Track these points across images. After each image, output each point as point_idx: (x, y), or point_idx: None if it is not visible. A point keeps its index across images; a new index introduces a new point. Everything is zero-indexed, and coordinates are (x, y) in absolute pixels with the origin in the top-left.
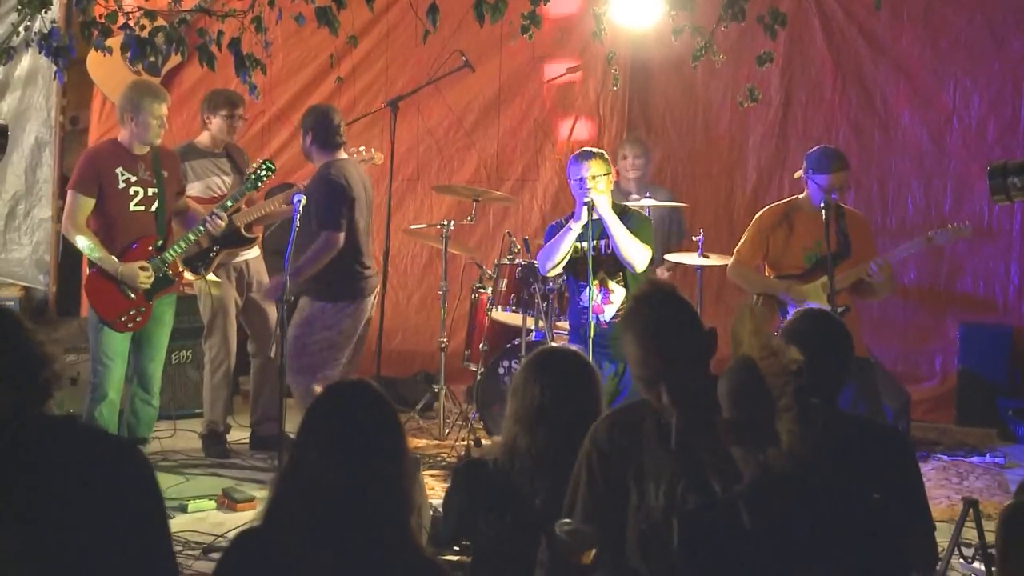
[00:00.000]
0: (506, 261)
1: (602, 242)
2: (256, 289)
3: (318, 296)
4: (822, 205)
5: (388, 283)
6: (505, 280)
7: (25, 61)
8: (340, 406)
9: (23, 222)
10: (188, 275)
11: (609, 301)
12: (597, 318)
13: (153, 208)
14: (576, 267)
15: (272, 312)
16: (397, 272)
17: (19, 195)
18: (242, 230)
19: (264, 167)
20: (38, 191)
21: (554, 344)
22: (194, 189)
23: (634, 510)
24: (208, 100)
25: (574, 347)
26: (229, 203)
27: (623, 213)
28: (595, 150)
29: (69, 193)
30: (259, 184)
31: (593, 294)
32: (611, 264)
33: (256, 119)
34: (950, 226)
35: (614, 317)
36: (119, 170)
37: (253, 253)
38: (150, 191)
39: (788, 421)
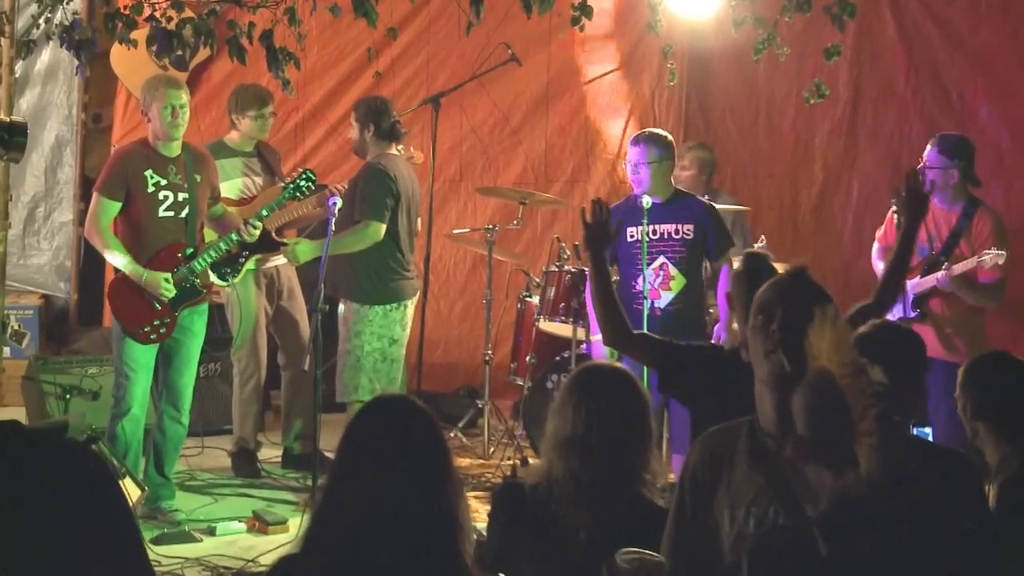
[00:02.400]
0: (555, 268)
1: (665, 227)
2: (287, 297)
3: (359, 298)
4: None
5: (429, 291)
6: (554, 288)
7: (45, 55)
8: (381, 423)
9: (43, 226)
10: (216, 282)
11: (668, 287)
12: (652, 303)
13: (183, 214)
14: (631, 251)
15: (304, 321)
16: (438, 280)
17: (38, 197)
18: (273, 234)
19: (305, 177)
20: (58, 193)
21: (599, 361)
22: (223, 189)
23: (726, 537)
24: (235, 98)
25: (620, 365)
26: (265, 212)
27: (679, 200)
28: (647, 133)
29: (94, 195)
30: (298, 195)
31: (648, 278)
32: (677, 249)
33: (289, 116)
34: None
35: (670, 304)
36: (148, 173)
37: (283, 259)
38: (180, 196)
39: (868, 447)
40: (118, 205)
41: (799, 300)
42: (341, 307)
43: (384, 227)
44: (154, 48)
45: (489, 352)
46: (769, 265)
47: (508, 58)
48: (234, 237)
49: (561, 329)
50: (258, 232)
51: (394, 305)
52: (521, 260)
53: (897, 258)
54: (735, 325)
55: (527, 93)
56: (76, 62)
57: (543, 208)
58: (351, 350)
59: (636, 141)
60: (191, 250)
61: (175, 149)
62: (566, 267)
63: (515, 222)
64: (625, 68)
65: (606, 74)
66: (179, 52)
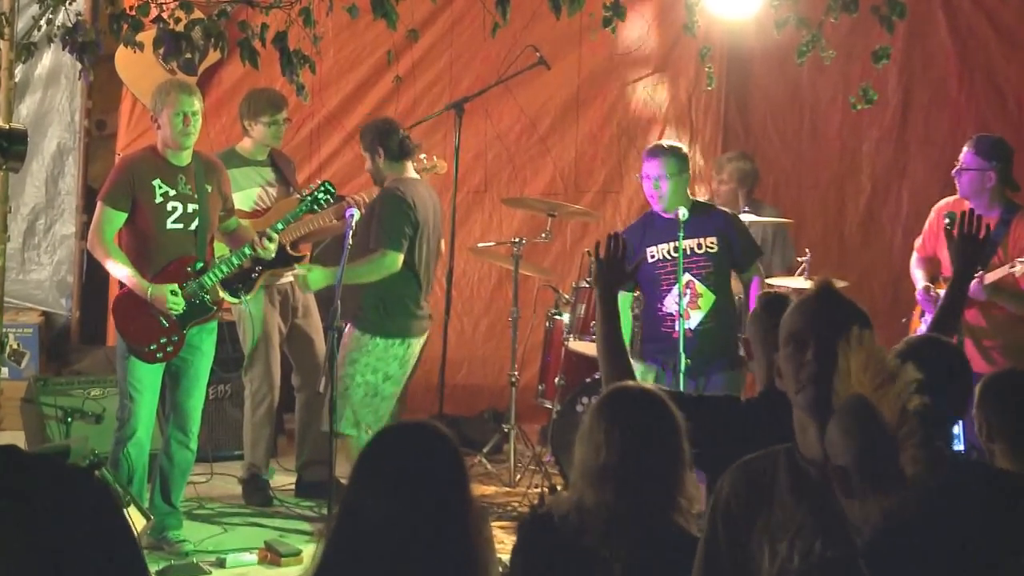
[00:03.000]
0: (585, 284)
1: (686, 242)
2: (303, 315)
3: (362, 326)
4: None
5: (452, 309)
6: (584, 305)
7: (47, 59)
8: (398, 449)
9: (43, 239)
10: (227, 298)
11: (696, 306)
12: (680, 326)
13: (193, 226)
14: (654, 272)
15: (320, 340)
16: (462, 296)
17: (39, 209)
18: (288, 248)
19: (323, 189)
20: (60, 204)
21: (629, 383)
22: (235, 200)
23: (764, 573)
24: (247, 104)
25: (651, 386)
26: (280, 226)
27: (706, 212)
28: (664, 146)
29: (98, 205)
30: (316, 208)
31: (675, 298)
32: (702, 264)
33: (304, 123)
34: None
35: (701, 324)
36: (156, 182)
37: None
38: (190, 207)
39: (912, 448)
40: (123, 216)
41: (832, 324)
42: (345, 328)
43: (401, 257)
44: (161, 51)
45: (515, 373)
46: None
47: (536, 61)
48: (247, 251)
49: (592, 349)
50: (274, 247)
51: (397, 341)
52: (549, 275)
53: (947, 305)
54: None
55: (556, 98)
56: (79, 66)
57: (573, 220)
58: (342, 377)
59: (654, 153)
60: (201, 264)
61: (185, 158)
62: None
63: (543, 235)
64: (660, 72)
65: (640, 78)
66: (188, 55)
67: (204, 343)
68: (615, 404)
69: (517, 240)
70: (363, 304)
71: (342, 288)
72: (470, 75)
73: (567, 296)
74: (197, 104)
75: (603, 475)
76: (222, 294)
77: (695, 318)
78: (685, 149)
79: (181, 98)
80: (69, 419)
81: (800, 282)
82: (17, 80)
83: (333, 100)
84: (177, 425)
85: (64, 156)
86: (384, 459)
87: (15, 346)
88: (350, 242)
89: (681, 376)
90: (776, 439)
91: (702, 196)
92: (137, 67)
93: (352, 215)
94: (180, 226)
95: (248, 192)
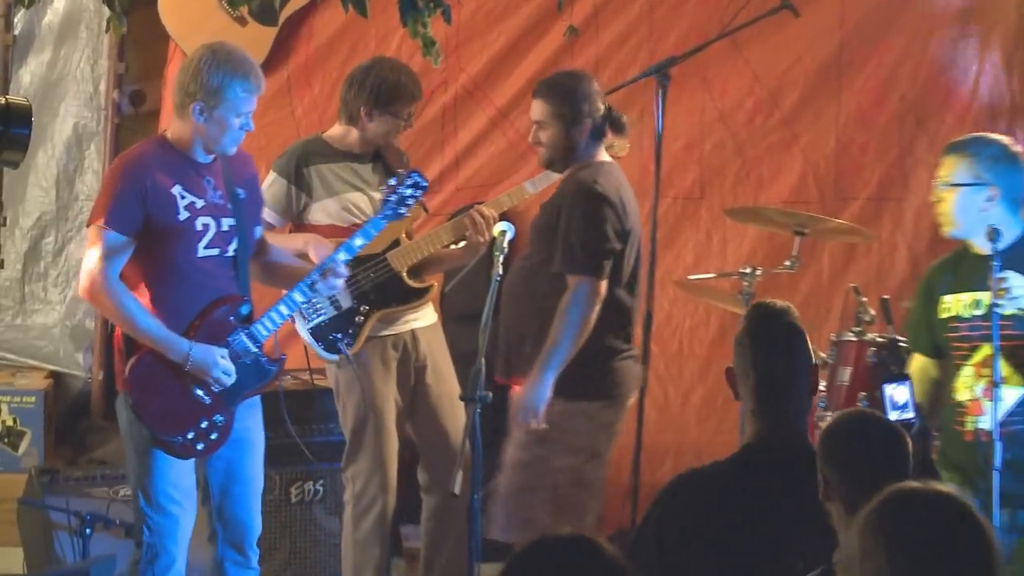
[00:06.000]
0: (850, 336)
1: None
2: (432, 377)
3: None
4: None
5: (650, 369)
6: (850, 369)
7: (59, 3)
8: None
9: (52, 265)
10: (321, 356)
11: (992, 396)
12: (975, 423)
13: (231, 249)
14: (942, 334)
15: (457, 416)
16: (665, 351)
17: (46, 220)
18: (405, 277)
19: (411, 181)
20: (77, 214)
21: (913, 484)
22: (320, 211)
23: None
24: (368, 84)
25: (948, 488)
26: (358, 243)
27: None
28: (970, 139)
29: (93, 230)
30: (402, 211)
31: (969, 382)
32: (1014, 333)
33: (433, 96)
34: None
35: (1006, 424)
36: (177, 190)
37: (425, 318)
38: (225, 223)
39: None
40: (132, 243)
41: None
42: (514, 395)
43: (604, 284)
44: None
45: None
46: None
47: (778, 6)
48: (309, 287)
49: None
50: (339, 278)
51: (607, 402)
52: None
53: None
54: None
55: (807, 60)
56: (106, 11)
57: (832, 241)
58: (530, 463)
59: (951, 149)
60: (248, 307)
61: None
62: (868, 335)
63: (788, 263)
64: (966, 20)
65: (936, 29)
66: None
67: (252, 420)
68: (899, 516)
69: (748, 270)
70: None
71: (505, 334)
72: (679, 27)
73: (824, 354)
74: (262, 88)
75: None
76: (315, 348)
77: (987, 415)
78: (1007, 143)
79: (250, 97)
80: (88, 529)
81: None
82: (18, 33)
83: (475, 62)
84: (230, 541)
85: (83, 144)
86: None
87: (10, 423)
88: (500, 272)
89: (994, 505)
90: None
91: None
92: (191, 12)
93: (506, 233)
94: (215, 251)
95: (342, 198)
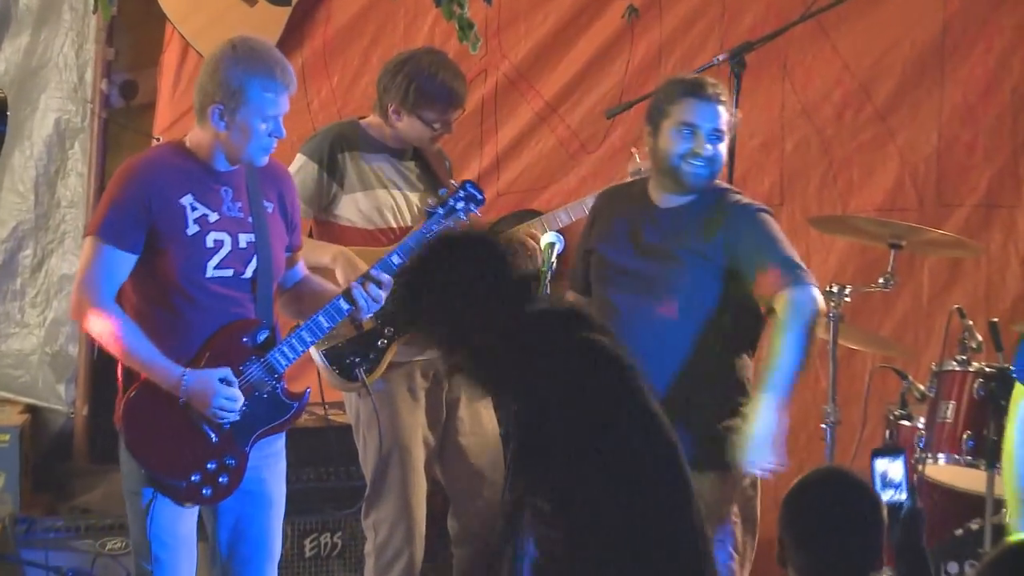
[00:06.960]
0: (954, 365)
1: None
2: (466, 411)
3: None
4: None
5: None
6: (953, 404)
7: None
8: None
9: (29, 282)
10: (334, 383)
11: None
12: None
13: (249, 271)
14: None
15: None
16: None
17: (23, 230)
18: None
19: (465, 194)
20: (58, 223)
21: None
22: (350, 205)
23: None
24: (399, 78)
25: None
26: (396, 259)
27: None
28: None
29: (88, 242)
30: (449, 225)
31: None
32: None
33: (471, 87)
34: None
35: None
36: (188, 200)
37: None
38: (243, 239)
39: None
40: (132, 259)
41: None
42: None
43: None
44: None
45: None
46: None
47: None
48: (342, 307)
49: (965, 480)
50: (378, 298)
51: None
52: (892, 350)
53: None
54: None
55: (905, 46)
56: None
57: (933, 256)
58: None
59: None
60: (266, 334)
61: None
62: (975, 364)
63: (881, 280)
64: None
65: None
66: None
67: (272, 463)
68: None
69: (835, 288)
70: None
71: None
72: (756, 5)
73: (922, 386)
74: (294, 87)
75: None
76: (328, 376)
77: None
78: None
79: (280, 99)
80: None
81: None
82: None
83: (518, 49)
84: None
85: (67, 142)
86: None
87: None
88: (549, 290)
89: None
90: None
91: None
92: None
93: (556, 245)
94: (229, 272)
95: (374, 193)
